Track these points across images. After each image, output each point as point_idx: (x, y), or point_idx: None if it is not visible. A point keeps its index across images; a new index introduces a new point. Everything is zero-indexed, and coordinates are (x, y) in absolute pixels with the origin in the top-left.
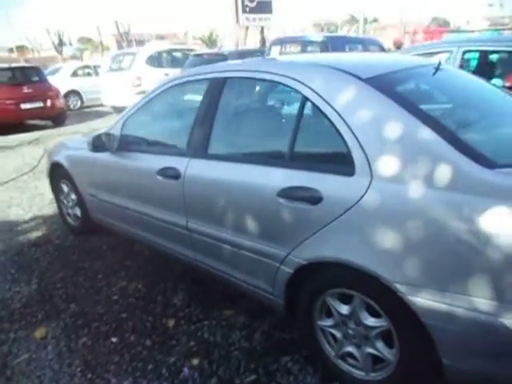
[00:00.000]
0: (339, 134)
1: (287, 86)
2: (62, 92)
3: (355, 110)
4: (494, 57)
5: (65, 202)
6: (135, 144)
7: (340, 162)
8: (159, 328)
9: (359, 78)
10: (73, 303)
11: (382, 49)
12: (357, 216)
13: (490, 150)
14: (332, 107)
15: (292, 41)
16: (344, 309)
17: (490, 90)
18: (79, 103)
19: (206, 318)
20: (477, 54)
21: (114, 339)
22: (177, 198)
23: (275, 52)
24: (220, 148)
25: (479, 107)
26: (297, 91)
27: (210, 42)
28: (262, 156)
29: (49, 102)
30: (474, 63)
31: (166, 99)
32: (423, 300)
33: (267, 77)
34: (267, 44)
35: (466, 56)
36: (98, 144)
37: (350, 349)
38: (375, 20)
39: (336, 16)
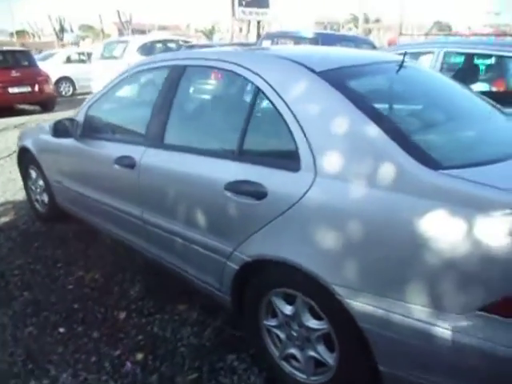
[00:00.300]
0: (288, 127)
1: (242, 76)
2: (54, 78)
3: (305, 104)
4: (479, 61)
5: (33, 187)
6: (97, 131)
7: (286, 157)
8: (109, 320)
9: (313, 71)
10: (26, 291)
11: (374, 48)
12: (299, 213)
13: (438, 151)
14: (283, 99)
15: (283, 36)
16: (288, 309)
17: (453, 89)
18: (71, 90)
19: (158, 312)
20: (462, 57)
21: (61, 329)
22: (133, 187)
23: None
24: (175, 138)
25: (438, 107)
26: (250, 82)
27: (211, 34)
28: (213, 148)
29: (37, 87)
30: (457, 66)
31: (127, 86)
32: (361, 304)
33: (224, 66)
34: None
35: (449, 58)
36: (61, 129)
37: (292, 350)
38: (377, 20)
39: (339, 15)
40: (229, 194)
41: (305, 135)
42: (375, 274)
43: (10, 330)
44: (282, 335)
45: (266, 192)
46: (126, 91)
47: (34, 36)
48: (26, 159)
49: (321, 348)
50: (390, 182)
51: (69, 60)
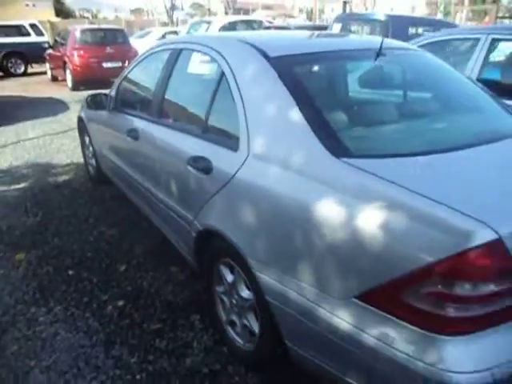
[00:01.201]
0: (236, 109)
1: (214, 59)
2: None
3: (251, 88)
4: None
5: (86, 153)
6: (122, 105)
7: (231, 137)
8: (111, 270)
9: (266, 56)
10: (56, 237)
11: None
12: (230, 189)
13: (355, 140)
14: (236, 82)
15: (354, 18)
16: (230, 277)
17: (428, 81)
18: None
19: (152, 270)
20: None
21: (70, 272)
22: (138, 157)
23: (336, 30)
24: (166, 115)
25: (386, 97)
26: (219, 64)
27: (313, 14)
28: (186, 125)
29: (127, 63)
30: (502, 53)
31: (145, 66)
32: (267, 278)
33: (204, 50)
34: None
35: (495, 45)
36: (96, 102)
37: (233, 317)
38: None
39: None
40: (189, 167)
41: (246, 118)
42: (279, 250)
43: (33, 266)
44: (227, 301)
45: (212, 168)
46: (143, 70)
47: (147, 13)
48: (81, 127)
49: (250, 317)
50: (298, 166)
51: (163, 38)
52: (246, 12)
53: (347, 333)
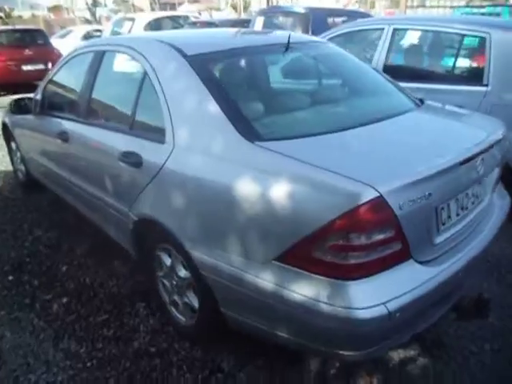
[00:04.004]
0: (160, 105)
1: (136, 59)
2: None
3: (172, 85)
4: (418, 35)
5: (14, 159)
6: (49, 108)
7: (158, 132)
8: (52, 272)
9: (183, 55)
10: None
11: None
12: (161, 179)
13: (265, 125)
14: (158, 80)
15: (276, 11)
16: (168, 261)
17: (329, 68)
18: None
19: (94, 267)
20: (406, 33)
21: (10, 277)
22: (70, 158)
23: (259, 23)
24: (93, 115)
25: (292, 86)
26: (141, 64)
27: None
28: (114, 123)
29: (50, 65)
30: (403, 41)
31: (70, 68)
32: (200, 254)
33: (126, 51)
34: None
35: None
36: (20, 106)
37: (175, 297)
38: None
39: None
40: (121, 163)
41: (169, 112)
42: (207, 228)
43: None
44: (168, 284)
45: (142, 161)
46: (68, 73)
47: (67, 11)
48: (6, 133)
49: (190, 295)
50: (218, 152)
51: (86, 37)
52: (173, 6)
53: (271, 291)
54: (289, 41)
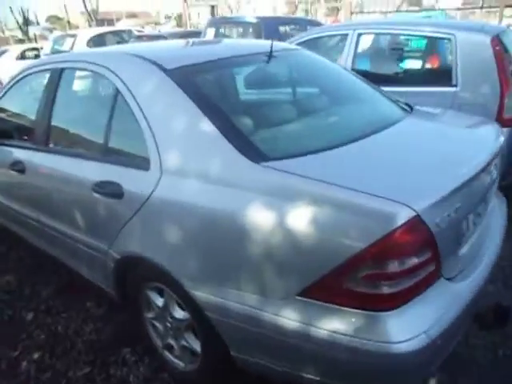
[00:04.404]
0: (140, 127)
1: (104, 76)
2: (6, 76)
3: (153, 103)
4: (383, 39)
5: None
6: None
7: (139, 157)
8: (16, 321)
9: (163, 69)
10: None
11: None
12: (149, 211)
13: (267, 144)
14: (135, 99)
15: (227, 22)
16: (160, 301)
17: (314, 77)
18: None
19: (66, 311)
20: (370, 37)
21: None
22: (28, 191)
23: (210, 34)
24: (56, 141)
25: (282, 99)
26: (110, 82)
27: (183, 20)
28: (83, 149)
29: None
30: (367, 46)
31: (19, 90)
32: (204, 294)
33: (91, 67)
34: None
35: (365, 39)
36: None
37: (170, 340)
38: None
39: None
40: (95, 194)
41: (153, 135)
42: (212, 265)
43: None
44: (160, 326)
45: (122, 192)
46: (18, 96)
47: None
48: None
49: (189, 337)
50: (219, 177)
51: (23, 56)
52: (110, 22)
53: (295, 330)
54: (271, 49)
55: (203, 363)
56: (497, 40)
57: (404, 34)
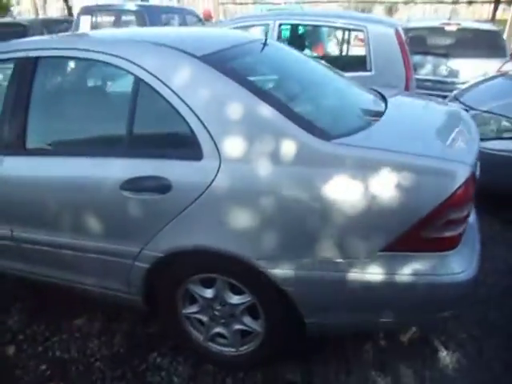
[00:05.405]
0: (181, 116)
1: (117, 66)
2: None
3: (194, 90)
4: (302, 29)
5: None
6: None
7: (186, 147)
8: None
9: (194, 56)
10: None
11: (199, 19)
12: (210, 200)
13: (323, 123)
14: (170, 89)
15: (104, 9)
16: (208, 293)
17: (309, 62)
18: None
19: (54, 334)
20: (289, 27)
21: None
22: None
23: (85, 23)
24: (42, 141)
25: (305, 80)
26: (129, 72)
27: (1, 7)
28: (96, 147)
29: None
30: (287, 35)
31: None
32: (282, 270)
33: (93, 56)
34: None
35: (282, 28)
36: None
37: (218, 330)
38: None
39: None
40: (126, 193)
41: (202, 123)
42: (291, 241)
43: None
44: (205, 318)
45: (169, 185)
46: None
47: None
48: None
49: (247, 319)
50: (291, 158)
51: None
52: None
53: (379, 282)
54: (266, 39)
55: (267, 339)
56: (399, 32)
57: (320, 25)
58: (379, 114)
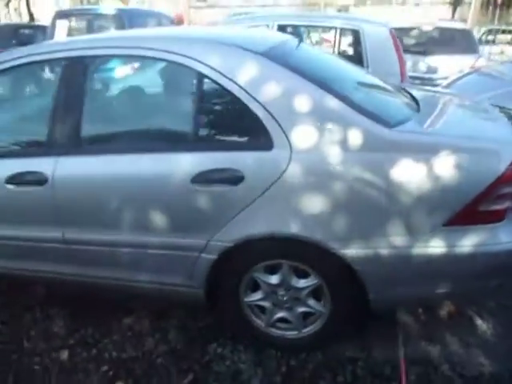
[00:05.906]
0: (250, 110)
1: (179, 63)
2: None
3: (261, 85)
4: (300, 30)
5: None
6: None
7: (257, 139)
8: (53, 367)
9: (255, 53)
10: None
11: (172, 22)
12: (282, 188)
13: (381, 113)
14: (236, 83)
15: (80, 13)
16: (272, 279)
17: (339, 60)
18: None
19: (104, 336)
20: (289, 28)
21: None
22: (44, 207)
23: (63, 28)
24: (101, 140)
25: (346, 76)
26: (192, 69)
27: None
28: (162, 143)
29: None
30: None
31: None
32: (353, 250)
33: (151, 54)
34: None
35: (285, 30)
36: None
37: (280, 314)
38: None
39: None
40: (197, 186)
41: (271, 115)
42: (361, 221)
43: None
44: (268, 304)
45: (242, 175)
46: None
47: None
48: None
49: (311, 302)
50: (360, 144)
51: None
52: None
53: (442, 254)
54: (300, 39)
55: (331, 319)
56: (392, 31)
57: (318, 26)
58: (417, 105)
